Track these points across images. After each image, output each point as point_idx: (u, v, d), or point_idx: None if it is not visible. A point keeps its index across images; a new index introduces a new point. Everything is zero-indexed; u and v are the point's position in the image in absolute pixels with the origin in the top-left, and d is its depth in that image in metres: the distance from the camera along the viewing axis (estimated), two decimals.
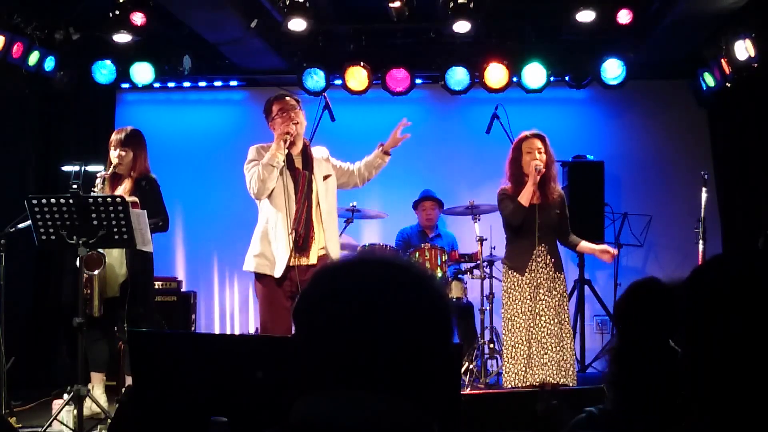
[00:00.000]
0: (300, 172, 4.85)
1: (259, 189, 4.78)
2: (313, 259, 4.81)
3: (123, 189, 5.25)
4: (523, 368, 5.22)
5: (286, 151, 4.81)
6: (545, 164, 5.26)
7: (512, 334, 5.28)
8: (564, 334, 5.24)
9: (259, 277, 4.85)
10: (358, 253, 1.23)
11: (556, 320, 5.21)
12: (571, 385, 5.16)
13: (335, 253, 4.89)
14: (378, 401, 1.15)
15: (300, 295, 1.25)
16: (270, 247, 4.82)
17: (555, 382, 5.13)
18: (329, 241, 4.88)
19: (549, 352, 5.19)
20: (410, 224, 7.31)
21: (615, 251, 5.34)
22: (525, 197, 5.22)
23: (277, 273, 4.76)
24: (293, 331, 1.26)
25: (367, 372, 1.16)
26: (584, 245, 5.43)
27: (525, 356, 5.22)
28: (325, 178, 4.95)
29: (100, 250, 5.08)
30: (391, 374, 1.16)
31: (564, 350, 5.22)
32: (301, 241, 4.76)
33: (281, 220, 4.79)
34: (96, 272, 5.11)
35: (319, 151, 5.03)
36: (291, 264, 4.74)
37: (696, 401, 1.36)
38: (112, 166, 5.28)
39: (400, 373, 1.17)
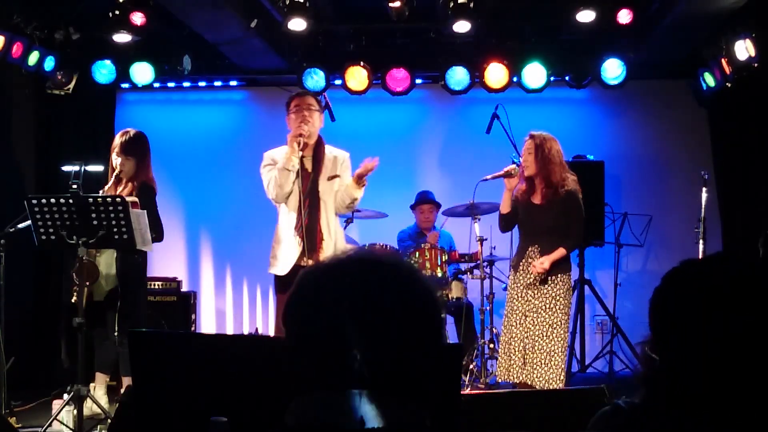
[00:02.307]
0: (307, 173, 4.86)
1: (278, 194, 4.80)
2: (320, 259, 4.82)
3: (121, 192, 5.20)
4: (508, 365, 5.25)
5: (300, 153, 4.80)
6: (537, 165, 5.23)
7: (506, 330, 5.33)
8: (552, 338, 5.15)
9: (275, 278, 4.91)
10: (343, 252, 1.24)
11: (536, 322, 5.18)
12: (541, 387, 5.10)
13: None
14: (370, 400, 1.15)
15: (288, 299, 1.24)
16: (280, 247, 4.86)
17: (531, 383, 5.14)
18: (336, 243, 4.88)
19: (530, 353, 5.19)
20: (408, 225, 7.32)
21: (540, 269, 5.15)
22: (503, 204, 5.40)
23: (281, 271, 4.80)
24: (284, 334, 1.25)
25: (357, 372, 1.15)
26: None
27: (508, 354, 5.27)
28: (331, 178, 4.93)
29: (96, 257, 5.05)
30: (381, 373, 1.16)
31: (549, 354, 5.13)
32: (307, 241, 4.76)
33: (289, 222, 4.83)
34: (87, 284, 5.02)
35: (333, 152, 4.99)
36: (302, 264, 4.74)
37: (688, 402, 1.37)
38: (115, 173, 5.21)
39: (391, 370, 1.16)
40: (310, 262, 4.76)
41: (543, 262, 5.16)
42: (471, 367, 6.31)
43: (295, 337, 1.21)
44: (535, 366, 5.15)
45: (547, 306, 5.19)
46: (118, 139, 5.29)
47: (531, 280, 5.24)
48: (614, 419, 1.45)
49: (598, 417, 1.49)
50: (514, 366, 5.22)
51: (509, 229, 5.54)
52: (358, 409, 1.14)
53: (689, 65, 7.33)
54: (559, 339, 5.17)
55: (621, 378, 6.92)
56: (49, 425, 4.68)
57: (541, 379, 5.13)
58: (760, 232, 5.17)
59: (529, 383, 5.15)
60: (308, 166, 4.90)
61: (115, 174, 5.21)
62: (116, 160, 5.22)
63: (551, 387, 5.07)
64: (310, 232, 4.79)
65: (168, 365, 2.62)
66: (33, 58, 6.56)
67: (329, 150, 5.01)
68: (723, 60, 6.66)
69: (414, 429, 1.17)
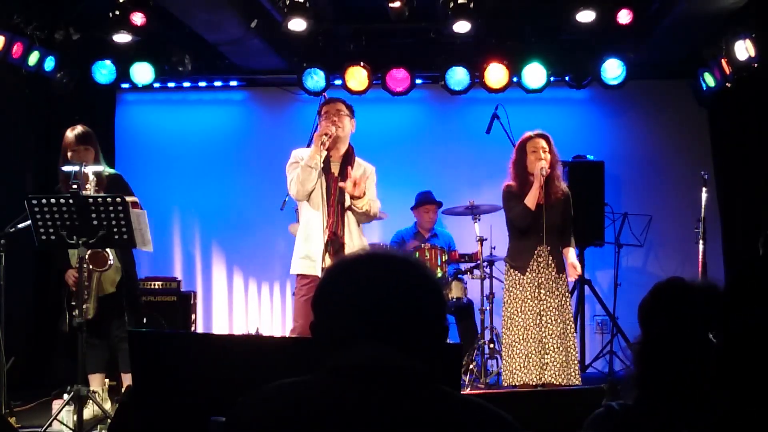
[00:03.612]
0: (333, 176, 4.86)
1: (299, 190, 4.81)
2: None
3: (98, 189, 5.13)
4: (520, 367, 5.22)
5: (325, 153, 4.81)
6: (550, 164, 5.28)
7: (510, 332, 5.28)
8: (567, 335, 5.23)
9: (302, 279, 4.89)
10: (363, 249, 1.62)
11: (559, 320, 5.21)
12: (574, 384, 5.16)
13: None
14: (390, 351, 1.43)
15: (318, 286, 1.53)
16: (303, 247, 4.87)
17: (557, 383, 5.13)
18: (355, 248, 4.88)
19: (551, 352, 5.17)
20: (406, 225, 7.32)
21: (578, 273, 5.49)
22: (531, 200, 5.22)
23: (303, 270, 4.83)
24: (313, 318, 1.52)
25: (379, 333, 1.43)
26: (567, 252, 5.44)
27: (523, 355, 5.22)
28: None
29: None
30: (397, 333, 1.43)
31: (568, 351, 5.20)
32: (331, 244, 4.78)
33: (317, 222, 4.83)
34: (101, 269, 5.05)
35: (362, 164, 4.99)
36: (323, 267, 4.76)
37: (726, 387, 1.36)
38: (84, 164, 5.01)
39: (405, 332, 1.44)
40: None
41: (576, 267, 5.43)
42: (471, 367, 6.31)
43: (318, 318, 1.50)
44: (557, 365, 5.16)
45: (560, 304, 5.25)
46: (71, 135, 5.24)
47: (543, 279, 5.25)
48: (607, 421, 1.45)
49: (592, 419, 1.50)
50: (533, 367, 5.17)
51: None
52: (383, 355, 1.42)
53: (689, 65, 7.33)
54: (573, 335, 5.27)
55: (621, 378, 6.92)
56: (49, 425, 4.67)
57: (563, 376, 5.13)
58: (760, 232, 5.17)
59: (555, 383, 5.13)
60: (335, 169, 4.89)
61: (84, 165, 4.98)
62: (75, 153, 5.16)
63: (572, 384, 5.10)
64: (335, 235, 4.81)
65: (168, 365, 2.62)
66: (33, 58, 6.56)
67: (359, 161, 5.00)
68: (723, 60, 6.66)
69: (424, 373, 1.42)
